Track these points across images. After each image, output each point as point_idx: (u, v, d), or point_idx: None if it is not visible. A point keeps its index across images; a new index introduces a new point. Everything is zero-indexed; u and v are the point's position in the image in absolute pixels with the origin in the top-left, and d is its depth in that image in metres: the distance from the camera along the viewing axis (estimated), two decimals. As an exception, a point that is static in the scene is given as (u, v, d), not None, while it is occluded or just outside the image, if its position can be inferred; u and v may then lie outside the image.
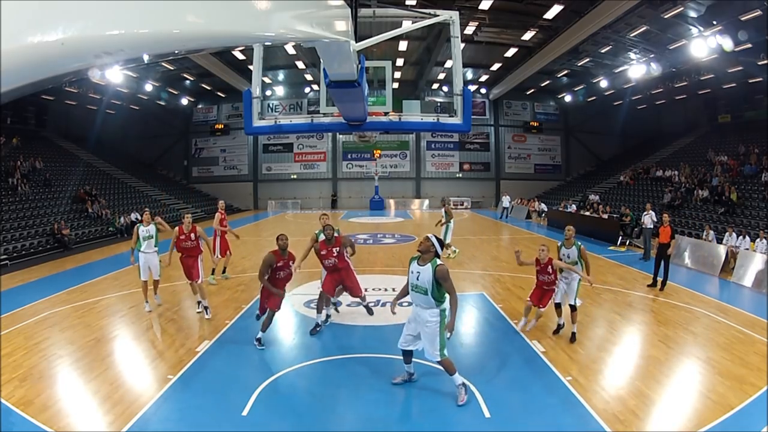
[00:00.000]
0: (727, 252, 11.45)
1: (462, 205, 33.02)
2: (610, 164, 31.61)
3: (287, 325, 7.56)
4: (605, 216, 18.52)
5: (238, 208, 32.65)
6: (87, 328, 7.11)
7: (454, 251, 13.01)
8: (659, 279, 9.54)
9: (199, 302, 7.88)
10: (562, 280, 6.64)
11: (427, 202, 33.12)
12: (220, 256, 10.05)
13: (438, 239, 4.83)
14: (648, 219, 12.72)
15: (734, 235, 12.72)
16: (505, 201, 26.35)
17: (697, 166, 22.39)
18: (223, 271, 10.55)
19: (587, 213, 20.98)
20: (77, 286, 9.93)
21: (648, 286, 9.69)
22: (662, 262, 9.51)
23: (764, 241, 11.67)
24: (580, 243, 6.62)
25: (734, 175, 19.68)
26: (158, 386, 5.07)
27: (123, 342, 6.67)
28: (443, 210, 12.74)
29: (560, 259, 6.65)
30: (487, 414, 4.50)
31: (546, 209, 24.14)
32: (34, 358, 5.89)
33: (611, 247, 15.26)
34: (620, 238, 15.68)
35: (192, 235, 7.91)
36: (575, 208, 22.63)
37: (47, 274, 11.83)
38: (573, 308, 6.52)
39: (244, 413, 4.51)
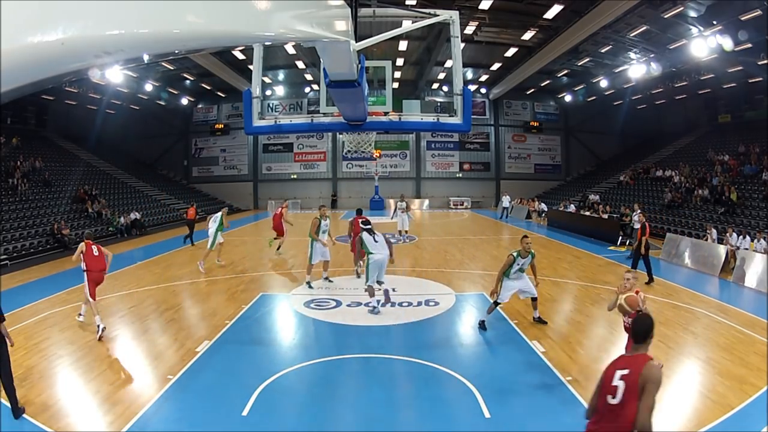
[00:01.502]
0: (727, 252, 11.45)
1: (462, 205, 33.03)
2: (610, 164, 31.60)
3: (287, 325, 7.56)
4: (605, 216, 18.51)
5: (238, 208, 32.64)
6: (87, 328, 7.11)
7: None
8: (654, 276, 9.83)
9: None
10: (517, 279, 6.95)
11: (427, 201, 33.16)
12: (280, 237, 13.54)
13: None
14: (636, 218, 12.93)
15: (734, 234, 12.73)
16: (505, 201, 26.34)
17: (697, 166, 22.39)
18: (278, 247, 13.74)
19: (587, 213, 20.98)
20: (77, 286, 9.88)
21: (645, 284, 9.78)
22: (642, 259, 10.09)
23: (762, 242, 11.68)
24: (533, 252, 6.95)
25: (734, 175, 19.68)
26: (158, 386, 5.07)
27: (123, 342, 6.67)
28: (404, 203, 16.65)
29: (511, 268, 6.86)
30: (487, 414, 4.50)
31: (546, 209, 24.14)
32: (34, 358, 5.89)
33: (611, 247, 15.26)
34: (620, 238, 15.68)
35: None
36: (575, 208, 22.63)
37: (47, 274, 11.83)
38: (535, 299, 7.21)
39: (244, 413, 4.51)
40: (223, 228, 11.90)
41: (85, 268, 7.06)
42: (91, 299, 6.96)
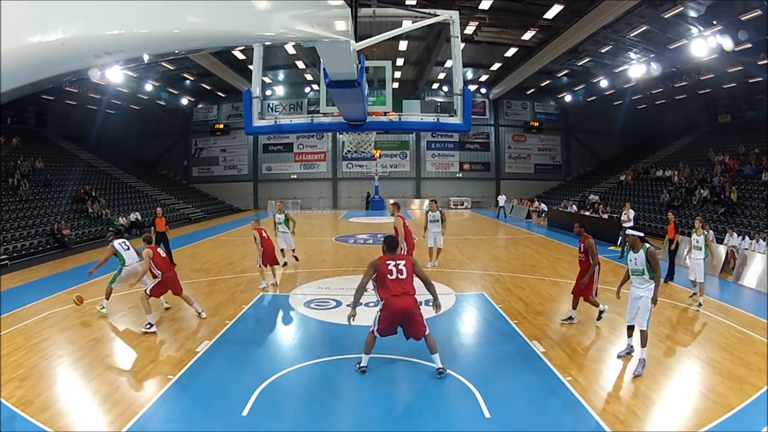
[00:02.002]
0: (727, 252, 11.44)
1: (462, 205, 33.03)
2: (610, 164, 31.62)
3: (287, 325, 7.56)
4: (605, 216, 18.50)
5: (238, 208, 32.64)
6: (87, 328, 7.12)
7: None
8: None
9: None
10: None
11: (427, 202, 33.22)
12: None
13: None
14: (626, 218, 13.19)
15: (735, 235, 12.73)
16: (501, 200, 26.41)
17: (697, 166, 22.39)
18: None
19: (587, 213, 20.97)
20: (77, 286, 9.90)
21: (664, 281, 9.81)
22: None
23: (761, 243, 11.67)
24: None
25: (734, 175, 19.68)
26: (158, 386, 5.06)
27: (123, 342, 6.66)
28: (438, 213, 12.05)
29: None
30: (487, 414, 4.49)
31: (546, 209, 24.16)
32: (34, 358, 5.88)
33: (611, 247, 15.23)
34: (620, 238, 15.66)
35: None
36: (575, 209, 22.63)
37: (47, 274, 11.84)
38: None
39: (244, 413, 4.51)
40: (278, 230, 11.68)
41: (158, 273, 7.11)
42: (154, 297, 7.15)
